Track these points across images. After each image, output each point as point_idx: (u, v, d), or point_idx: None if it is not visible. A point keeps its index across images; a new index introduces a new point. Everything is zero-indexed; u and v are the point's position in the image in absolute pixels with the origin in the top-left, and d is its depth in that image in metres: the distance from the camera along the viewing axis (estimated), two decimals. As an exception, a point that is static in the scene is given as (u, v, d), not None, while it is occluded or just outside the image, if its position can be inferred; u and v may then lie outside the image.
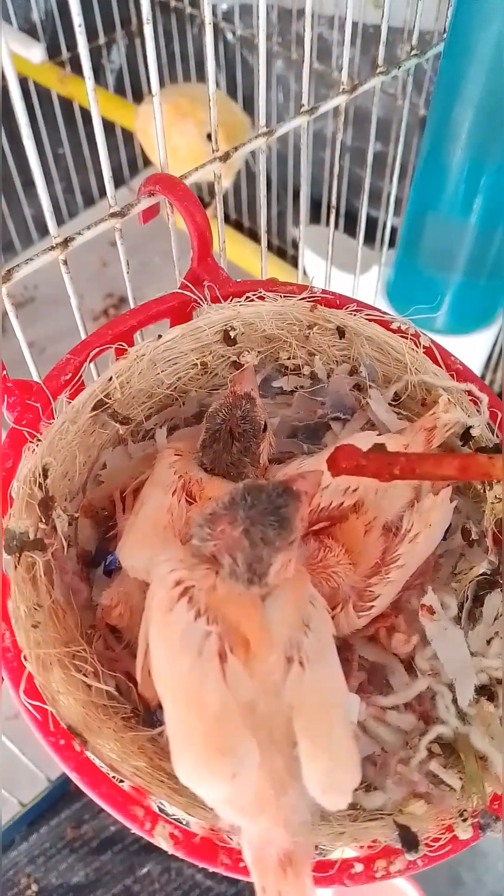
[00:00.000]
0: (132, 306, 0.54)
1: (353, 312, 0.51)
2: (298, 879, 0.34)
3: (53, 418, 0.46)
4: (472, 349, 0.78)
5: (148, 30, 0.44)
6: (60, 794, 0.93)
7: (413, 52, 0.65)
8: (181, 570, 0.37)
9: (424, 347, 0.51)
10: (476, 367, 0.81)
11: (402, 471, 0.38)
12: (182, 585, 0.36)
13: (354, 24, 1.03)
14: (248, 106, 1.29)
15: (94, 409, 0.47)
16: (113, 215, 0.50)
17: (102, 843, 0.92)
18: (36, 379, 0.55)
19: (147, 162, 1.50)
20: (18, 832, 0.92)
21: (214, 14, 1.31)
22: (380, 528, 0.46)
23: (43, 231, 1.45)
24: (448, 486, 0.48)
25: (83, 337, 0.54)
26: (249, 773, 0.33)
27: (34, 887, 0.90)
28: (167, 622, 0.35)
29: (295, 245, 1.41)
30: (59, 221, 1.48)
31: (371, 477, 0.39)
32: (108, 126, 1.39)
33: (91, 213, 1.50)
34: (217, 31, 1.33)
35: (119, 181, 1.49)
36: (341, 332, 0.52)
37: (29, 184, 1.36)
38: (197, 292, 0.49)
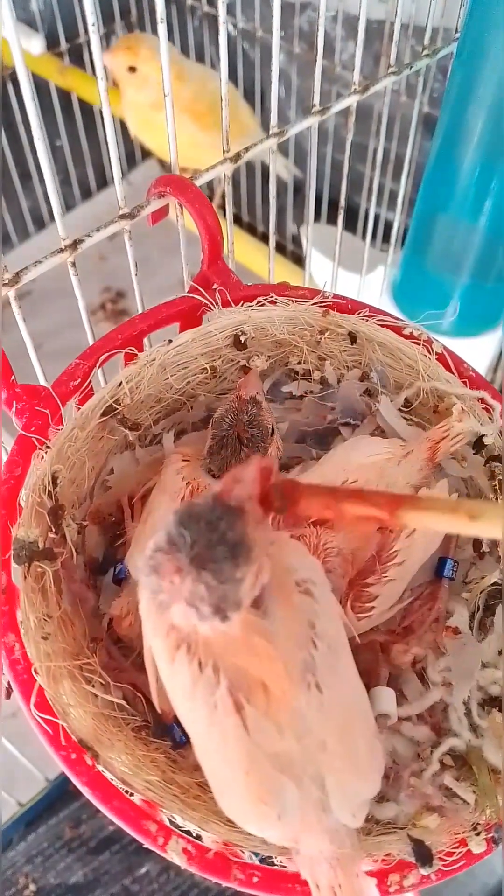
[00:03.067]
0: (140, 309, 0.53)
1: (366, 318, 0.50)
2: (349, 878, 0.35)
3: (62, 424, 0.45)
4: (477, 352, 0.78)
5: (162, 28, 0.43)
6: (59, 794, 0.93)
7: (425, 53, 0.65)
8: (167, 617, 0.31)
9: (437, 353, 0.51)
10: (480, 369, 0.81)
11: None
12: (175, 633, 0.31)
13: (358, 19, 1.02)
14: (248, 98, 1.28)
15: (103, 414, 0.46)
16: (122, 217, 0.49)
17: (101, 843, 0.92)
18: (39, 377, 0.54)
19: (145, 155, 1.49)
20: (17, 832, 0.91)
21: (215, 6, 1.29)
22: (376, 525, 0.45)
23: (39, 224, 1.43)
24: (445, 479, 0.48)
25: (90, 340, 0.54)
26: (293, 809, 0.33)
27: (32, 887, 0.89)
28: (173, 675, 0.32)
29: (294, 241, 1.40)
30: (56, 214, 1.47)
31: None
32: (107, 118, 1.37)
33: (88, 206, 1.48)
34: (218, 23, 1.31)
35: (118, 174, 1.47)
36: (353, 337, 0.51)
37: (26, 176, 1.35)
38: (208, 296, 0.49)
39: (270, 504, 0.32)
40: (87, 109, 1.34)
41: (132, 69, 1.02)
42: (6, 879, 0.89)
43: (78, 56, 1.31)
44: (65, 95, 1.32)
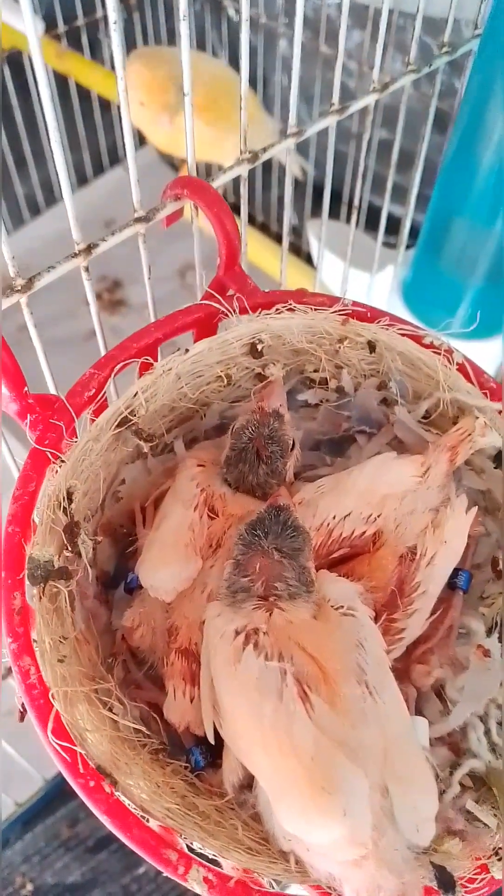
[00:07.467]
0: (153, 315, 0.52)
1: (386, 326, 0.49)
2: None
3: (76, 436, 0.44)
4: (487, 355, 0.76)
5: (184, 26, 0.41)
6: (56, 794, 0.92)
7: (444, 50, 0.63)
8: (238, 619, 0.37)
9: (457, 364, 0.49)
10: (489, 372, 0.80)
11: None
12: (244, 634, 0.36)
13: (366, 8, 1.00)
14: (250, 86, 1.25)
15: (118, 426, 0.45)
16: (138, 220, 0.48)
17: (98, 843, 0.92)
18: (49, 383, 0.53)
19: (143, 141, 1.46)
20: (14, 831, 0.91)
21: (217, -10, 1.26)
22: (397, 557, 0.44)
23: (34, 210, 1.41)
24: (462, 494, 0.47)
25: (100, 341, 0.52)
26: (361, 805, 0.32)
27: (29, 886, 0.89)
28: (238, 675, 0.35)
29: (295, 232, 1.38)
30: (51, 201, 1.44)
31: None
32: (105, 103, 1.34)
33: (84, 193, 1.45)
34: (220, 8, 1.29)
35: (114, 160, 1.45)
36: (372, 346, 0.50)
37: (21, 162, 1.32)
38: (225, 304, 0.47)
39: None
40: (84, 94, 1.31)
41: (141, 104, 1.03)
42: (3, 879, 0.89)
43: (76, 39, 1.28)
44: (62, 79, 1.29)
